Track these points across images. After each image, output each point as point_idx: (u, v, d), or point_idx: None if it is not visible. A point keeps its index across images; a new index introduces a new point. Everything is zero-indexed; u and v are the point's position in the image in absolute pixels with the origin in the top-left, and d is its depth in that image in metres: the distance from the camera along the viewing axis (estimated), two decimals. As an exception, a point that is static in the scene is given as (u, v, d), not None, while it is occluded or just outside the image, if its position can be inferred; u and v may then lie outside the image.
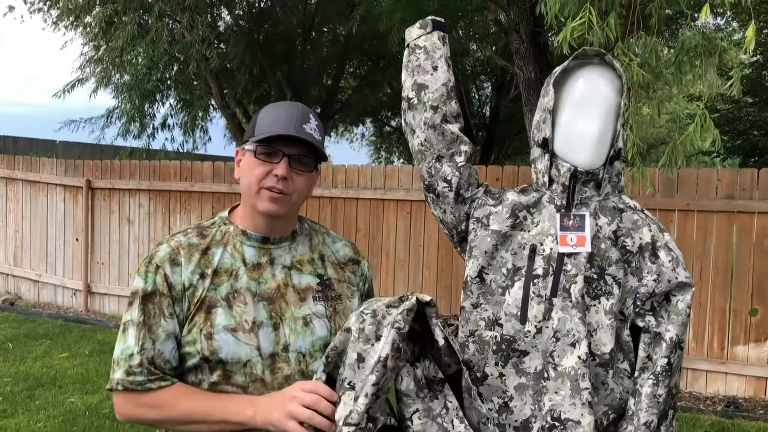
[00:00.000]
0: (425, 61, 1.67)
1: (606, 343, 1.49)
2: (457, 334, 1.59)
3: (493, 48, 11.06)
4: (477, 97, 14.07)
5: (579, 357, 1.46)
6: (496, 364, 1.52)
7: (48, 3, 10.16)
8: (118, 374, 1.35)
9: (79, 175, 7.79)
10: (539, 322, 1.50)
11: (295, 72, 10.24)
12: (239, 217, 1.48)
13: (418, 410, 1.37)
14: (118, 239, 7.58)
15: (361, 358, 1.31)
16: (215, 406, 1.34)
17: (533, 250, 1.54)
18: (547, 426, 1.47)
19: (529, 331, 1.50)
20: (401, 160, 16.87)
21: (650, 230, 1.55)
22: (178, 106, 10.36)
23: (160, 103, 9.93)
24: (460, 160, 1.65)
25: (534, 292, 1.51)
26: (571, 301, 1.48)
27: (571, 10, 3.22)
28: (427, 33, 1.69)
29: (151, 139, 9.92)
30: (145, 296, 1.37)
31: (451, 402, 1.39)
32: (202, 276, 1.38)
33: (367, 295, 1.58)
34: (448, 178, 1.63)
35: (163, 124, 10.18)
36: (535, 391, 1.49)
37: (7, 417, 4.41)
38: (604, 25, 3.15)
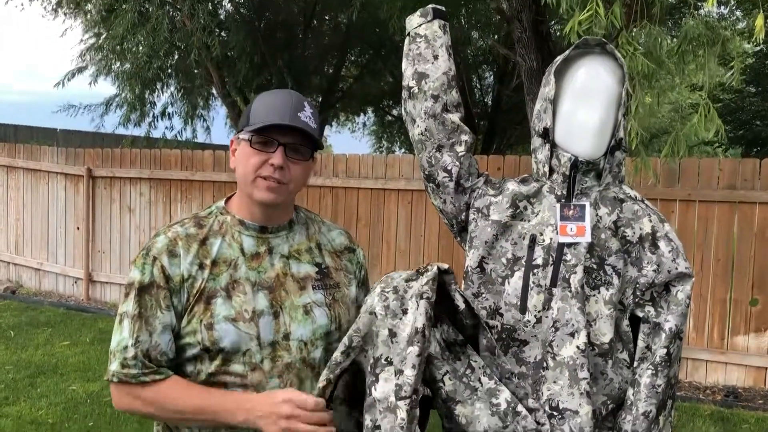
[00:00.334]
0: (426, 49, 1.66)
1: (605, 333, 1.49)
2: None
3: (495, 37, 11.00)
4: (479, 86, 14.01)
5: (578, 347, 1.46)
6: (496, 353, 1.52)
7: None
8: (113, 366, 1.36)
9: (79, 164, 7.78)
10: (539, 311, 1.50)
11: (296, 60, 10.21)
12: (236, 206, 1.47)
13: (447, 372, 1.41)
14: (119, 228, 7.59)
15: (393, 333, 1.33)
16: (207, 404, 1.34)
17: (533, 240, 1.54)
18: (545, 415, 1.48)
19: (528, 321, 1.50)
20: (402, 150, 16.84)
21: (650, 221, 1.55)
22: (179, 94, 10.33)
23: (161, 92, 9.90)
24: (460, 149, 1.64)
25: (534, 282, 1.51)
26: (570, 291, 1.48)
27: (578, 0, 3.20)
28: (428, 21, 1.68)
29: (151, 127, 9.90)
30: (142, 288, 1.36)
31: (475, 361, 1.42)
32: (201, 267, 1.38)
33: (363, 282, 1.58)
34: (449, 167, 1.63)
35: (164, 113, 10.16)
36: (534, 380, 1.50)
37: (9, 404, 4.43)
38: (608, 14, 3.13)
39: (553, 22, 7.08)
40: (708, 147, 15.70)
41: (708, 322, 5.11)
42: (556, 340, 1.48)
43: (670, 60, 3.66)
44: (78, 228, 7.80)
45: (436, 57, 1.65)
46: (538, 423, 1.45)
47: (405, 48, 1.71)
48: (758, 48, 12.39)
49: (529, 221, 1.57)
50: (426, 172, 1.67)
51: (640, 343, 1.52)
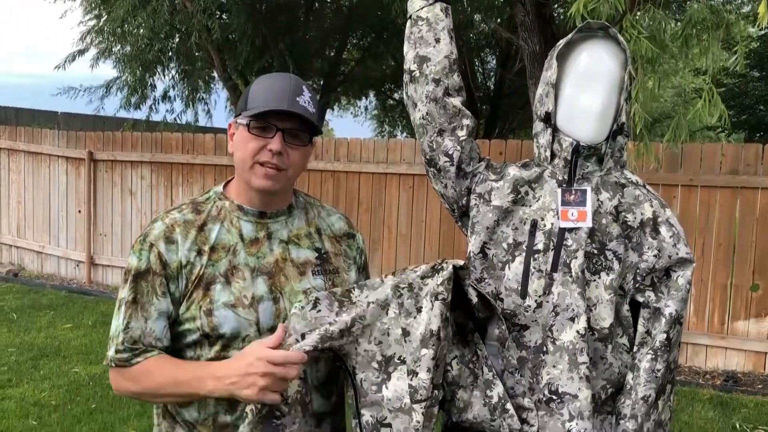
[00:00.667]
0: (427, 33, 1.65)
1: (605, 318, 1.49)
2: None
3: (498, 20, 10.91)
4: (481, 70, 13.93)
5: (577, 331, 1.47)
6: (497, 338, 1.53)
7: (48, -28, 10.04)
8: (110, 351, 1.37)
9: (81, 147, 7.78)
10: (539, 296, 1.50)
11: (297, 43, 10.15)
12: (234, 191, 1.46)
13: (456, 356, 1.42)
14: (121, 211, 7.60)
15: (406, 333, 1.33)
16: (182, 377, 1.31)
17: (534, 225, 1.54)
18: (544, 399, 1.49)
19: (529, 306, 1.51)
20: (404, 134, 16.80)
21: (652, 206, 1.55)
22: (180, 77, 10.29)
23: (162, 75, 9.86)
24: (461, 134, 1.63)
25: (534, 267, 1.51)
26: (571, 276, 1.48)
27: None
28: (430, 4, 1.67)
29: (152, 110, 9.87)
30: (138, 274, 1.36)
31: (481, 350, 1.44)
32: (199, 253, 1.37)
33: (363, 268, 1.58)
34: (450, 152, 1.62)
35: (164, 96, 10.12)
36: (534, 364, 1.50)
37: (13, 386, 4.46)
38: (614, -4, 3.10)
39: (555, 6, 7.02)
40: (711, 132, 15.65)
41: (708, 307, 5.12)
42: (556, 324, 1.49)
43: (674, 44, 3.63)
44: (80, 211, 7.81)
45: (437, 40, 1.64)
46: (527, 423, 1.46)
47: (407, 31, 1.70)
48: (763, 32, 12.31)
49: (530, 206, 1.56)
50: (427, 157, 1.66)
51: (640, 328, 1.52)
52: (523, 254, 1.53)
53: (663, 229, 1.53)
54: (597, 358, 1.51)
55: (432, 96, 1.63)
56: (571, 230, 1.51)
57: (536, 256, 1.52)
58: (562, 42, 1.58)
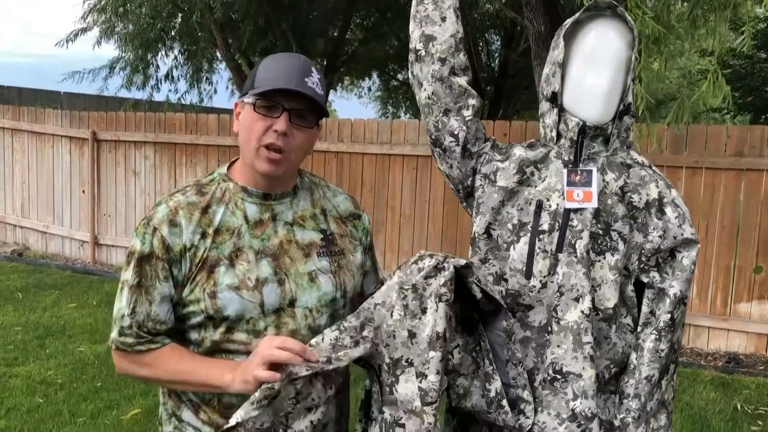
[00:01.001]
0: (433, 11, 1.63)
1: (610, 298, 1.49)
2: None
3: None
4: (486, 50, 13.84)
5: (582, 311, 1.47)
6: (501, 318, 1.53)
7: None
8: (113, 333, 1.38)
9: (84, 127, 7.77)
10: (544, 277, 1.50)
11: (300, 23, 10.07)
12: (238, 173, 1.44)
13: (459, 345, 1.43)
14: (125, 191, 7.61)
15: (412, 335, 1.32)
16: (198, 368, 1.34)
17: (539, 206, 1.53)
18: (548, 378, 1.49)
19: (534, 286, 1.51)
20: (408, 115, 16.74)
21: (657, 186, 1.54)
22: (183, 57, 10.24)
23: (165, 55, 9.81)
24: (467, 114, 1.62)
25: (539, 248, 1.51)
26: (576, 257, 1.48)
27: None
28: (436, -17, 1.65)
29: (154, 90, 9.83)
30: (141, 258, 1.35)
31: (484, 342, 1.44)
32: (203, 236, 1.36)
33: (368, 249, 1.57)
34: (455, 132, 1.62)
35: (167, 76, 10.08)
36: (538, 344, 1.51)
37: (19, 365, 4.50)
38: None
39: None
40: (716, 113, 15.56)
41: (711, 289, 5.12)
42: (560, 304, 1.49)
43: (680, 25, 3.60)
44: (83, 191, 7.82)
45: (443, 19, 1.63)
46: (524, 414, 1.47)
47: (412, 10, 1.68)
48: (770, 13, 12.17)
49: (535, 187, 1.56)
50: (432, 137, 1.65)
51: (644, 309, 1.53)
52: (528, 234, 1.53)
53: (668, 210, 1.53)
54: (601, 338, 1.51)
55: (438, 75, 1.62)
56: (576, 210, 1.51)
57: (541, 236, 1.52)
58: (569, 21, 1.56)
